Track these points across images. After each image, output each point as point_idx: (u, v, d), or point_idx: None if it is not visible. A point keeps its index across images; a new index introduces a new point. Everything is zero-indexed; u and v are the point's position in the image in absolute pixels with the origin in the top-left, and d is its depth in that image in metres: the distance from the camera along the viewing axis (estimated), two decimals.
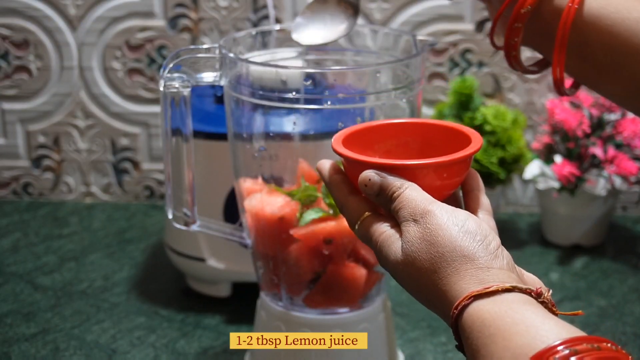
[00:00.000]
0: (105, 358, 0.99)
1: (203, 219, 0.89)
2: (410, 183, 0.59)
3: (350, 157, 0.62)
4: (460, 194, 0.65)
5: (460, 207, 0.60)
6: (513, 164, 1.22)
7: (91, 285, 1.15)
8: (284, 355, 0.87)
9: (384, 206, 0.60)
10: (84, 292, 1.13)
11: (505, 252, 0.56)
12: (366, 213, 0.61)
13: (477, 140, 0.63)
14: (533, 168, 1.23)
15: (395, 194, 0.59)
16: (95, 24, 1.32)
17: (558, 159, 1.22)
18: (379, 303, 0.89)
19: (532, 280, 0.58)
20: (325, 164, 0.65)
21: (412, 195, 0.58)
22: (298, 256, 0.84)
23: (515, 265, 0.56)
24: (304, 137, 0.84)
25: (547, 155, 1.24)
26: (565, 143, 1.23)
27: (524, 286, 0.53)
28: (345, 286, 0.85)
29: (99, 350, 1.00)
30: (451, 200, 0.63)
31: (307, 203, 0.83)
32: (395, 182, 0.59)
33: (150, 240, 1.28)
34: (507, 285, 0.52)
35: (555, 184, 1.22)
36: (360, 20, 1.30)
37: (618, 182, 1.21)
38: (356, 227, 0.62)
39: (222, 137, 0.96)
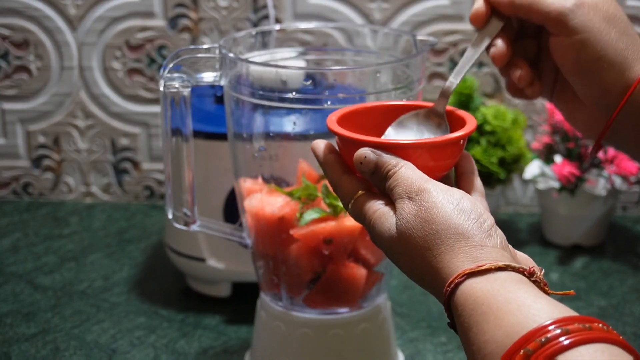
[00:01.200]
0: (105, 358, 0.99)
1: (203, 219, 0.89)
2: (406, 162, 0.59)
3: (345, 135, 0.62)
4: (453, 176, 0.66)
5: None
6: (513, 164, 1.22)
7: (91, 285, 1.15)
8: (284, 355, 0.87)
9: (379, 184, 0.60)
10: (84, 292, 1.13)
11: (499, 231, 0.56)
12: (360, 192, 0.61)
13: (471, 123, 0.63)
14: (533, 168, 1.23)
15: (390, 172, 0.59)
16: (95, 24, 1.32)
17: (558, 159, 1.22)
18: (379, 303, 0.89)
19: (525, 260, 0.58)
20: (320, 144, 0.65)
21: (407, 173, 0.58)
22: (298, 256, 0.84)
23: (509, 245, 0.56)
24: (304, 137, 0.84)
25: (547, 155, 1.24)
26: (565, 143, 1.23)
27: (516, 265, 0.53)
28: (345, 286, 0.85)
29: (99, 350, 1.00)
30: (444, 182, 0.63)
31: (308, 202, 0.83)
32: (390, 160, 0.59)
33: (150, 240, 1.28)
34: (500, 263, 0.52)
35: (555, 184, 1.22)
36: (360, 20, 1.30)
37: (618, 182, 1.21)
38: (350, 205, 0.62)
39: (222, 137, 0.96)
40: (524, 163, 1.23)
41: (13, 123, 1.38)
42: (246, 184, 0.88)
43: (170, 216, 0.88)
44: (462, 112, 0.66)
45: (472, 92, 1.22)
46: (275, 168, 0.86)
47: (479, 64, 1.32)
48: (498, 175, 1.20)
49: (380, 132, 0.67)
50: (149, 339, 1.02)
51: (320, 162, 0.65)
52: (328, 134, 0.65)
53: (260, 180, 0.87)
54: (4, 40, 1.34)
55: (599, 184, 1.21)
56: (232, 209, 1.03)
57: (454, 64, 1.32)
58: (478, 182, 0.64)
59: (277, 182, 0.87)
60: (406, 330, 1.05)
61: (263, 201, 0.85)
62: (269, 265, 0.87)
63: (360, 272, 0.84)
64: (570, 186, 1.21)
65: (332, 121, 0.64)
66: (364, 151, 0.60)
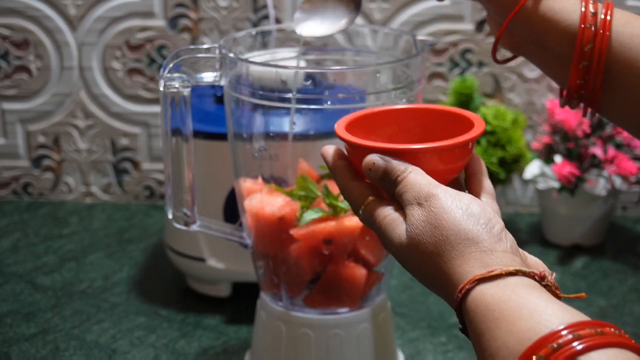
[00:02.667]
0: (105, 358, 0.99)
1: (203, 219, 0.89)
2: (414, 167, 0.59)
3: (354, 142, 0.62)
4: (463, 178, 0.65)
5: (463, 192, 0.60)
6: (513, 164, 1.22)
7: (91, 285, 1.15)
8: (284, 355, 0.87)
9: (388, 190, 0.60)
10: (84, 292, 1.13)
11: (509, 235, 0.56)
12: (370, 198, 0.61)
13: (479, 124, 0.63)
14: (533, 168, 1.23)
15: (399, 178, 0.59)
16: (95, 24, 1.32)
17: (558, 159, 1.22)
18: (379, 303, 0.89)
19: (536, 263, 0.58)
20: (330, 150, 0.65)
21: (416, 178, 0.58)
22: (298, 256, 0.84)
23: (519, 248, 0.56)
24: (304, 137, 0.84)
25: (547, 155, 1.25)
26: (565, 143, 1.23)
27: (527, 269, 0.53)
28: (345, 286, 0.85)
29: (99, 350, 1.00)
30: (454, 184, 0.63)
31: (307, 202, 0.83)
32: (399, 165, 0.59)
33: (150, 240, 1.28)
34: (511, 268, 0.52)
35: (555, 184, 1.22)
36: (360, 20, 1.30)
37: (618, 182, 1.21)
38: (360, 212, 0.62)
39: (222, 137, 0.96)
40: (524, 163, 1.23)
41: (13, 123, 1.38)
42: (246, 184, 0.88)
43: (170, 216, 0.88)
44: (469, 114, 0.65)
45: (472, 92, 1.22)
46: (275, 168, 0.86)
47: (479, 63, 1.32)
48: (498, 175, 1.20)
49: (389, 137, 0.67)
50: (149, 339, 1.02)
51: (329, 168, 0.65)
52: (335, 138, 0.65)
53: (260, 180, 0.87)
54: (4, 40, 1.34)
55: (599, 184, 1.21)
56: (232, 209, 1.03)
57: (454, 64, 1.32)
58: (488, 184, 0.63)
59: (277, 182, 0.87)
60: (406, 330, 1.05)
61: (263, 201, 0.85)
62: (269, 265, 0.87)
63: (360, 272, 0.84)
64: (570, 186, 1.21)
65: (340, 127, 0.64)
66: (373, 157, 0.60)
